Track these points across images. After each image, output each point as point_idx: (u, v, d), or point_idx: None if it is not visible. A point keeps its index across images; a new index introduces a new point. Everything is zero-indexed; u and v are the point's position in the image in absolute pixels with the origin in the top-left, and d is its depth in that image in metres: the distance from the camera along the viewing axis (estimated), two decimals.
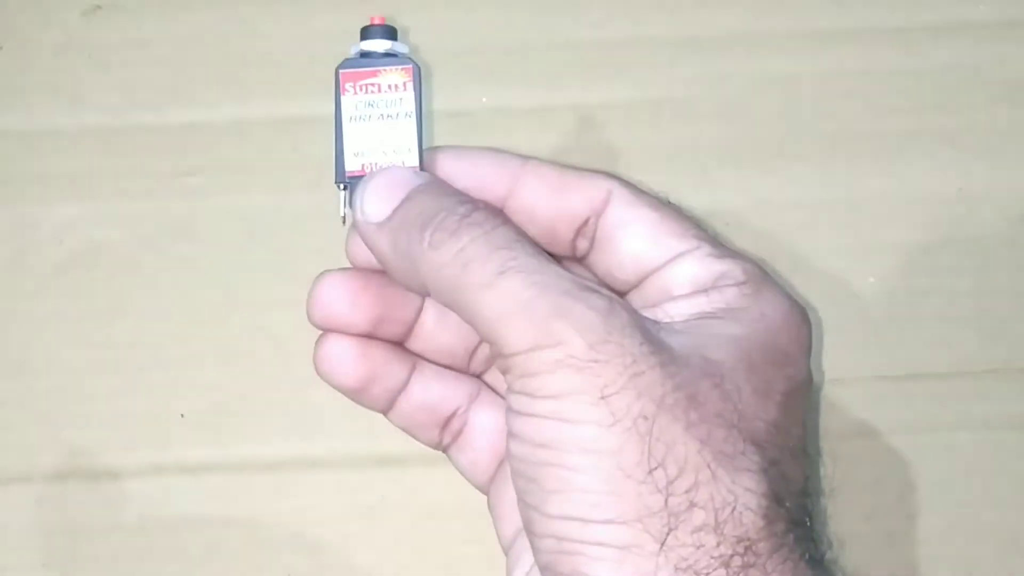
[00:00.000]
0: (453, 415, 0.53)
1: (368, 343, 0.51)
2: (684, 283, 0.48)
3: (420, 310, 0.52)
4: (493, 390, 0.53)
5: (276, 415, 0.58)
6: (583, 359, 0.43)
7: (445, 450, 0.53)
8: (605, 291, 0.45)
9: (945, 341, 0.58)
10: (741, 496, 0.43)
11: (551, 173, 0.50)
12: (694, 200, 0.58)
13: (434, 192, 0.47)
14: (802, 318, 0.49)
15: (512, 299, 0.44)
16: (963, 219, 0.59)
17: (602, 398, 0.43)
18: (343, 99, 0.49)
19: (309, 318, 0.51)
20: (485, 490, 0.53)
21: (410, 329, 0.52)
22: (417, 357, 0.52)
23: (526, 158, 0.50)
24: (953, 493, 0.57)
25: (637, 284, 0.49)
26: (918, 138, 0.59)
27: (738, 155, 0.59)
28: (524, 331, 0.43)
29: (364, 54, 0.50)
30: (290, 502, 0.57)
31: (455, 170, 0.50)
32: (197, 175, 0.60)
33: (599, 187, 0.49)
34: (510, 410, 0.45)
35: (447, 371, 0.53)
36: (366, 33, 0.50)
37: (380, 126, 0.49)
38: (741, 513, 0.43)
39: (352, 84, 0.49)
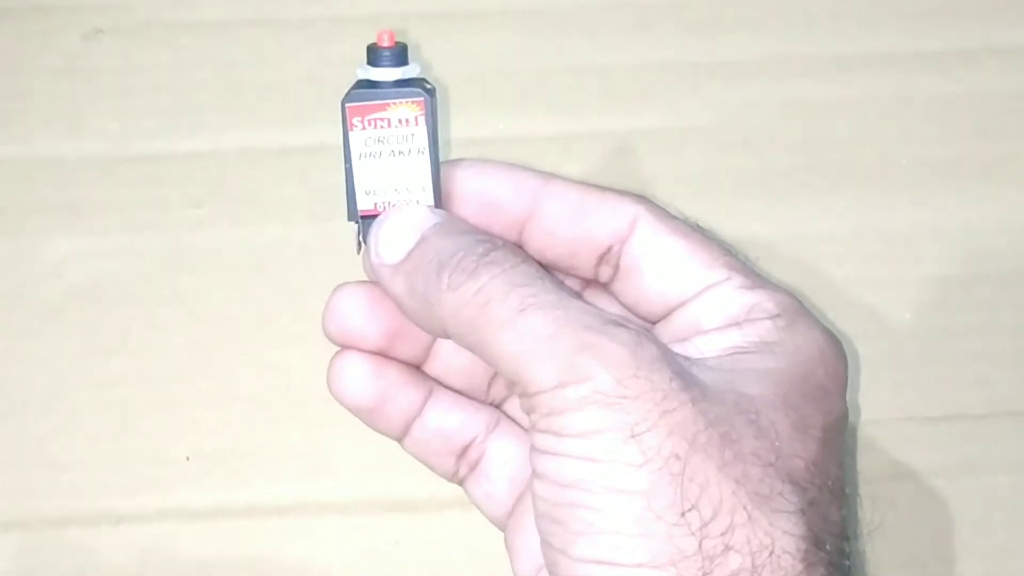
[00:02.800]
0: (470, 444, 0.52)
1: (384, 362, 0.51)
2: (714, 316, 0.47)
3: None
4: (513, 420, 0.53)
5: (285, 457, 0.57)
6: (611, 395, 0.42)
7: (461, 482, 0.53)
8: (632, 324, 0.44)
9: (983, 380, 0.57)
10: (779, 539, 0.42)
11: (572, 195, 0.49)
12: (721, 232, 0.57)
13: (449, 232, 0.47)
14: (838, 351, 0.48)
15: (533, 336, 0.43)
16: (1004, 252, 0.58)
17: (632, 436, 0.42)
18: (351, 135, 0.47)
19: (324, 330, 0.50)
20: (502, 525, 0.52)
21: (428, 350, 0.52)
22: (434, 382, 0.52)
23: (547, 176, 0.49)
24: (992, 537, 0.56)
25: (664, 316, 0.48)
26: (956, 167, 0.59)
27: (767, 185, 0.59)
28: (548, 368, 0.43)
29: (371, 83, 0.47)
30: (300, 548, 0.56)
31: (473, 190, 0.49)
32: (202, 206, 0.59)
33: (623, 212, 0.49)
34: (534, 449, 0.44)
35: (465, 399, 0.52)
36: (373, 57, 0.47)
37: (392, 163, 0.47)
38: (779, 557, 0.42)
39: (360, 119, 0.47)
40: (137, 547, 0.56)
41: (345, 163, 0.48)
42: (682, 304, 0.48)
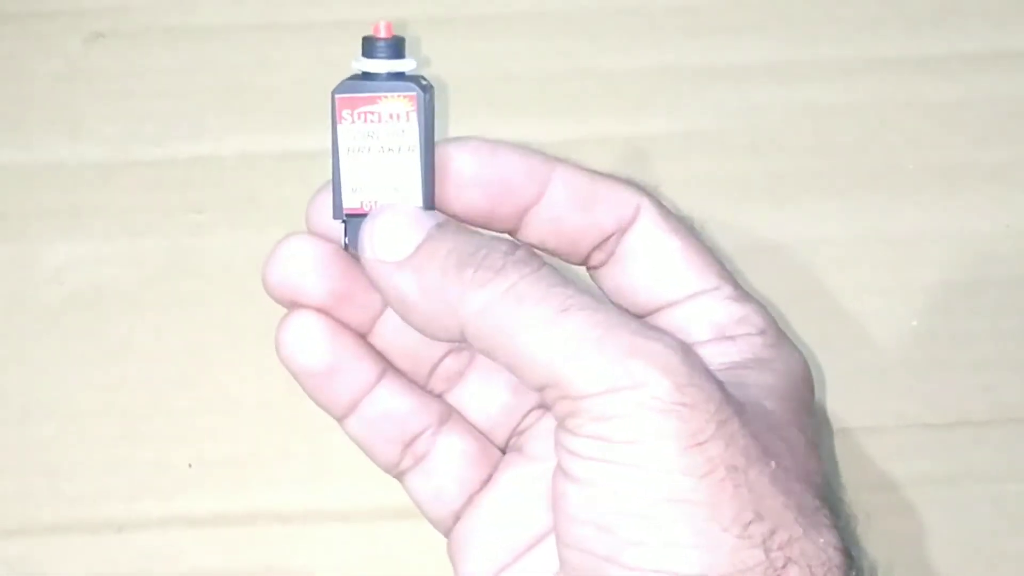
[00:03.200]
0: (420, 435, 0.50)
1: (340, 328, 0.48)
2: (702, 324, 0.47)
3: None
4: (460, 415, 0.51)
5: (288, 464, 0.57)
6: (669, 402, 0.41)
7: (401, 475, 0.50)
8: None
9: (990, 387, 0.57)
10: (830, 553, 0.42)
11: (582, 182, 0.48)
12: (725, 237, 0.57)
13: (457, 228, 0.46)
14: (809, 368, 0.48)
15: (579, 337, 0.42)
16: (1010, 257, 0.58)
17: (693, 446, 0.41)
18: (339, 128, 0.45)
19: (264, 281, 0.47)
20: (445, 525, 0.50)
21: (373, 321, 0.49)
22: (388, 364, 0.50)
23: (554, 159, 0.48)
24: (1000, 545, 0.56)
25: (648, 313, 0.48)
26: (961, 172, 0.59)
27: (771, 189, 0.59)
28: (597, 371, 0.42)
29: (366, 75, 0.46)
30: (302, 556, 0.56)
31: (484, 171, 0.47)
32: (203, 211, 0.59)
33: (628, 201, 0.48)
34: (573, 455, 0.42)
35: (418, 386, 0.50)
36: (368, 48, 0.46)
37: (381, 160, 0.45)
38: (830, 571, 0.42)
39: (349, 112, 0.45)
40: (139, 554, 0.56)
41: (333, 158, 0.46)
42: (669, 305, 0.47)
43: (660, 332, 0.43)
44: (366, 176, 0.45)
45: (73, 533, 0.56)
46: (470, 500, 0.50)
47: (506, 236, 0.47)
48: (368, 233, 0.45)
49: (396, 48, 0.45)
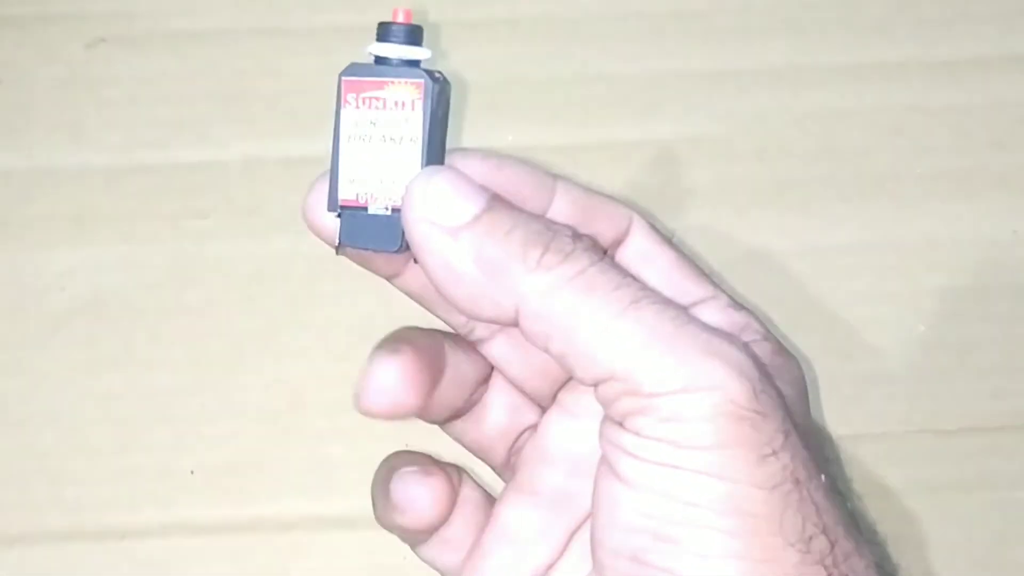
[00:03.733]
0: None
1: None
2: None
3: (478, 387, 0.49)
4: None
5: (291, 471, 0.57)
6: (745, 408, 0.40)
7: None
8: None
9: (1000, 393, 0.57)
10: (873, 569, 0.42)
11: (581, 196, 0.47)
12: (732, 243, 0.57)
13: (516, 207, 0.43)
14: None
15: (652, 332, 0.40)
16: (1019, 263, 0.58)
17: (767, 456, 0.40)
18: (342, 112, 0.43)
19: (360, 405, 0.45)
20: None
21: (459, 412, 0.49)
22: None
23: (553, 175, 0.47)
24: (1010, 552, 0.56)
25: None
26: (969, 177, 0.59)
27: (779, 196, 0.59)
28: (672, 369, 0.40)
29: (378, 60, 0.44)
30: (306, 564, 0.56)
31: (494, 183, 0.45)
32: (207, 218, 0.59)
33: (622, 216, 0.47)
34: (633, 456, 0.41)
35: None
36: (382, 32, 0.44)
37: (381, 150, 0.43)
38: None
39: (355, 96, 0.43)
40: (141, 563, 0.56)
41: (333, 144, 0.44)
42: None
43: (728, 334, 0.42)
44: (365, 167, 0.43)
45: (75, 541, 0.56)
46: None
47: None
48: (421, 191, 0.42)
49: (412, 35, 0.44)
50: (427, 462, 0.47)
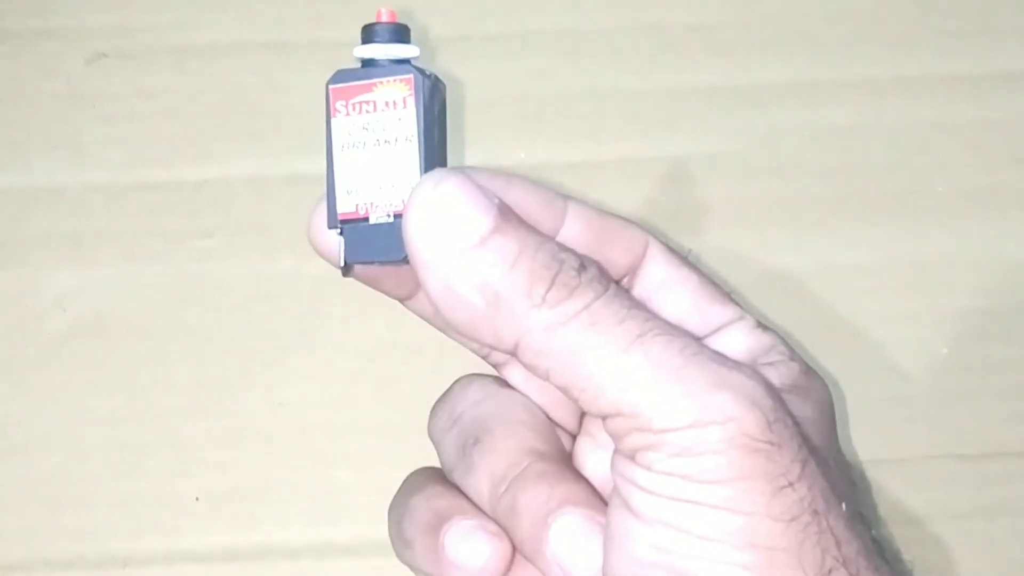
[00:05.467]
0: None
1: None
2: (738, 355, 0.46)
3: None
4: None
5: (297, 498, 0.57)
6: (759, 439, 0.39)
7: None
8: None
9: None
10: None
11: (595, 219, 0.46)
12: (749, 263, 0.57)
13: (521, 223, 0.42)
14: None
15: (660, 366, 0.40)
16: None
17: (783, 487, 0.40)
18: (333, 122, 0.42)
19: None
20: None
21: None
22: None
23: (564, 196, 0.46)
24: None
25: None
26: (992, 195, 0.59)
27: (797, 214, 0.59)
28: (681, 403, 0.40)
29: (365, 63, 0.43)
30: None
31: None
32: (210, 237, 0.59)
33: (638, 239, 0.47)
34: (646, 491, 0.41)
35: None
36: (367, 34, 0.43)
37: (376, 154, 0.42)
38: None
39: (344, 103, 0.42)
40: None
41: (327, 157, 0.43)
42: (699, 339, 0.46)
43: (739, 363, 0.41)
44: (362, 175, 0.42)
45: (76, 569, 0.56)
46: None
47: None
48: (425, 199, 0.41)
49: (397, 33, 0.43)
50: (477, 513, 0.46)
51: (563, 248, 0.42)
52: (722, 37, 0.60)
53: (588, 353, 0.40)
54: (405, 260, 0.42)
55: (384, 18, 0.43)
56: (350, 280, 0.45)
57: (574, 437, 0.48)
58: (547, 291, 0.40)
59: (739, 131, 0.59)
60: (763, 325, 0.47)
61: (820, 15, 0.61)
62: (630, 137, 0.59)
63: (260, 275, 0.58)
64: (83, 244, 0.59)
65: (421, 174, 0.41)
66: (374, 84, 0.42)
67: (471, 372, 0.48)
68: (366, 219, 0.42)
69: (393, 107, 0.42)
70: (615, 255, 0.46)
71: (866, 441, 0.56)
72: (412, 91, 0.42)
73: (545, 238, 0.42)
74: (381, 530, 0.54)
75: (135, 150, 0.60)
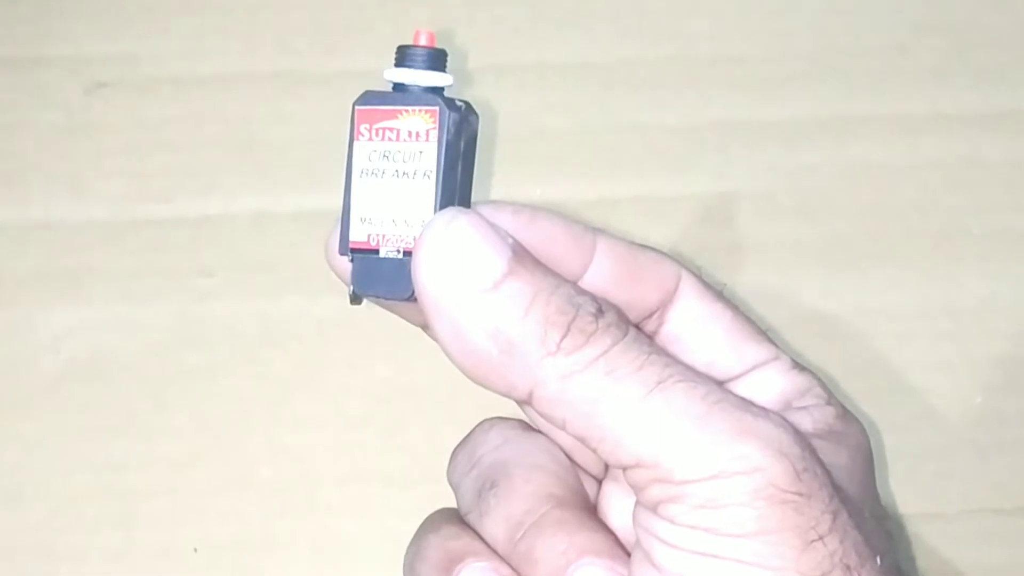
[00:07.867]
0: None
1: None
2: (770, 397, 0.45)
3: None
4: None
5: (300, 549, 0.56)
6: (787, 490, 0.39)
7: None
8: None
9: None
10: None
11: (625, 252, 0.45)
12: (775, 305, 0.57)
13: (536, 265, 0.41)
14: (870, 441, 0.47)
15: (681, 414, 0.39)
16: None
17: (813, 541, 0.39)
18: (355, 146, 0.41)
19: None
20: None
21: None
22: None
23: (596, 229, 0.45)
24: None
25: None
26: None
27: (825, 255, 0.58)
28: (703, 453, 0.39)
29: (396, 87, 0.42)
30: None
31: (527, 241, 0.43)
32: (213, 275, 0.59)
33: (671, 274, 0.46)
34: (670, 546, 0.40)
35: None
36: (401, 57, 0.42)
37: (393, 186, 0.41)
38: None
39: (368, 127, 0.41)
40: None
41: (346, 180, 0.42)
42: (731, 379, 0.46)
43: (764, 409, 0.41)
44: (377, 205, 0.41)
45: None
46: None
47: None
48: (436, 238, 0.40)
49: (433, 60, 0.42)
50: (492, 556, 0.45)
51: (580, 291, 0.41)
52: (747, 70, 0.60)
53: (605, 402, 0.39)
54: (413, 298, 0.41)
55: (422, 41, 0.42)
56: (357, 321, 0.46)
57: (599, 482, 0.47)
58: (562, 338, 0.40)
59: (764, 168, 0.59)
60: (799, 365, 0.46)
61: (850, 48, 0.61)
62: (651, 174, 0.59)
63: (263, 315, 0.58)
64: (80, 282, 0.58)
65: (435, 213, 0.40)
66: (400, 111, 0.41)
67: (489, 416, 0.48)
68: (376, 251, 0.41)
69: (416, 138, 0.41)
70: (646, 290, 0.45)
71: (897, 493, 0.56)
72: (436, 124, 0.41)
73: (561, 280, 0.41)
74: None
75: (135, 184, 0.59)
